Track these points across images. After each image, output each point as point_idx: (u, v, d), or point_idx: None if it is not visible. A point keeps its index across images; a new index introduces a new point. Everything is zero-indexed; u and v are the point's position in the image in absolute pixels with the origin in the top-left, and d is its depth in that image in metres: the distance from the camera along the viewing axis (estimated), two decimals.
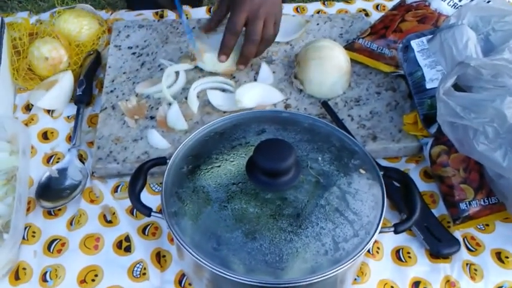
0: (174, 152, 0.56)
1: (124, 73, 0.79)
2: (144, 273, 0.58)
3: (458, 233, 0.62)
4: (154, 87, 0.75)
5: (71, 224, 0.62)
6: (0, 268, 0.56)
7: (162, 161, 0.56)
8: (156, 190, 0.66)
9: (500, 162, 0.53)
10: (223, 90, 0.76)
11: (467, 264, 0.59)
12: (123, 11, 0.93)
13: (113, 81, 0.77)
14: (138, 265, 0.58)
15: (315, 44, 0.75)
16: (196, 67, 0.78)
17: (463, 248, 0.60)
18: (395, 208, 0.64)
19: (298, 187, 0.50)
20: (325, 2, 0.96)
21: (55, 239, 0.61)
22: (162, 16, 0.92)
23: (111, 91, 0.76)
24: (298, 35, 0.84)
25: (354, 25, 0.88)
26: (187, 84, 0.76)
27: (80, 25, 0.83)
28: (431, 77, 0.68)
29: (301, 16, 0.91)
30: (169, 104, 0.73)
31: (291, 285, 0.46)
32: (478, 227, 0.63)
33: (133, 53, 0.82)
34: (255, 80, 0.78)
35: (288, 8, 0.94)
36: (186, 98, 0.74)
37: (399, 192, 0.56)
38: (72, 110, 0.75)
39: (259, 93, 0.74)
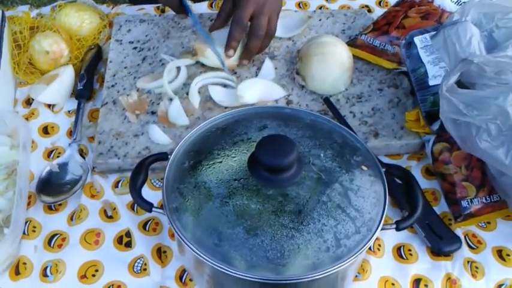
0: (175, 148, 0.55)
1: (125, 68, 0.78)
2: (145, 269, 0.58)
3: (459, 231, 0.62)
4: (156, 82, 0.75)
5: (71, 219, 0.62)
6: (0, 263, 0.56)
7: (163, 156, 0.56)
8: (157, 186, 0.66)
9: (502, 159, 0.53)
10: (225, 85, 0.76)
11: (468, 261, 0.59)
12: (124, 5, 0.93)
13: (114, 75, 0.77)
14: (138, 260, 0.58)
15: (318, 39, 0.75)
16: (197, 62, 0.78)
17: (464, 246, 0.60)
18: (397, 205, 0.64)
19: (300, 183, 0.50)
20: None
21: (55, 234, 0.61)
22: (163, 11, 0.92)
23: (112, 86, 0.76)
24: (300, 30, 0.84)
25: (357, 21, 0.87)
26: (189, 79, 0.76)
27: (81, 19, 0.83)
28: (434, 74, 0.67)
29: (304, 12, 0.90)
30: (171, 100, 0.72)
31: (292, 281, 0.46)
32: (480, 224, 0.63)
33: (135, 48, 0.81)
34: (257, 75, 0.77)
35: (290, 4, 0.93)
36: (187, 94, 0.74)
37: (401, 190, 0.56)
38: (73, 104, 0.75)
39: (261, 89, 0.74)
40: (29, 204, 0.63)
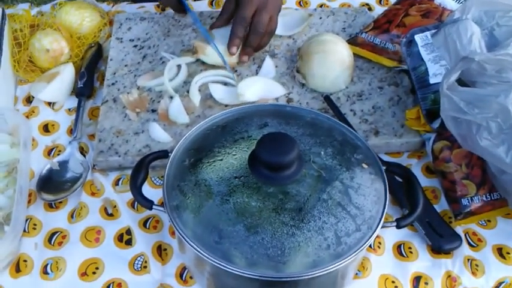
0: (175, 146, 0.55)
1: (125, 66, 0.78)
2: (145, 267, 0.58)
3: (459, 229, 0.62)
4: (156, 80, 0.75)
5: (71, 216, 0.62)
6: (0, 260, 0.56)
7: (163, 154, 0.56)
8: (158, 183, 0.66)
9: (503, 157, 0.53)
10: (225, 83, 0.75)
11: (468, 259, 0.59)
12: (124, 4, 0.93)
13: (114, 73, 0.77)
14: (139, 258, 0.58)
15: (318, 37, 0.75)
16: (198, 60, 0.78)
17: (464, 244, 0.60)
18: (397, 203, 0.64)
19: (301, 181, 0.50)
20: None
21: (56, 232, 0.61)
22: (163, 9, 0.91)
23: (113, 84, 0.75)
24: (300, 28, 0.84)
25: (357, 19, 0.87)
26: (189, 77, 0.76)
27: (81, 17, 0.83)
28: (435, 72, 0.67)
29: (304, 10, 0.90)
30: (171, 98, 0.72)
31: (292, 279, 0.46)
32: (480, 222, 0.63)
33: (135, 46, 0.81)
34: (257, 73, 0.77)
35: (290, 2, 0.93)
36: (187, 92, 0.73)
37: (401, 188, 0.56)
38: (73, 102, 0.75)
39: (261, 87, 0.74)
40: (29, 202, 0.63)
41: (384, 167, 0.54)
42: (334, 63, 0.73)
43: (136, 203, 0.64)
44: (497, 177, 0.59)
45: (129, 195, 0.63)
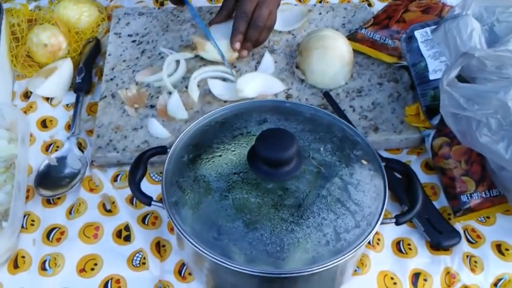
0: (174, 141, 0.55)
1: (124, 61, 0.78)
2: (144, 263, 0.58)
3: (459, 225, 0.62)
4: (155, 75, 0.74)
5: (70, 212, 0.62)
6: None
7: (162, 150, 0.56)
8: (156, 179, 0.66)
9: (502, 154, 0.53)
10: (224, 79, 0.75)
11: (467, 256, 0.59)
12: None
13: (112, 69, 0.77)
14: (137, 254, 0.58)
15: (318, 33, 0.74)
16: (196, 56, 0.78)
17: (463, 240, 0.60)
18: (396, 200, 0.64)
19: (300, 177, 0.50)
20: None
21: (54, 228, 0.61)
22: (162, 4, 0.91)
23: (111, 79, 0.75)
24: (300, 24, 0.84)
25: (357, 15, 0.87)
26: (188, 73, 0.75)
27: (79, 12, 0.82)
28: (435, 68, 0.67)
29: (304, 5, 0.90)
30: (170, 93, 0.72)
31: (291, 275, 0.46)
32: (479, 219, 0.63)
33: (134, 41, 0.81)
34: (256, 69, 0.77)
35: None
36: (186, 87, 0.73)
37: (400, 184, 0.56)
38: (71, 98, 0.75)
39: (260, 83, 0.73)
40: (27, 197, 0.63)
41: (383, 164, 0.54)
42: (333, 59, 0.73)
43: (134, 199, 0.63)
44: (497, 174, 0.59)
45: (127, 191, 0.63)
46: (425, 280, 0.57)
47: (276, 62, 0.78)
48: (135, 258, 0.58)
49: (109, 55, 0.78)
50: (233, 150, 0.53)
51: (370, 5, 0.92)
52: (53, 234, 0.60)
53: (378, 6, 0.91)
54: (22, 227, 0.60)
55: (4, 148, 0.65)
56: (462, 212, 0.61)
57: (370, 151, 0.55)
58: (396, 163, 0.56)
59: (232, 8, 0.77)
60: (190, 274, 0.57)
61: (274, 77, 0.75)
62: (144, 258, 0.58)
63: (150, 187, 0.65)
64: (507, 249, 0.60)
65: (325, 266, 0.46)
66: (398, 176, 0.57)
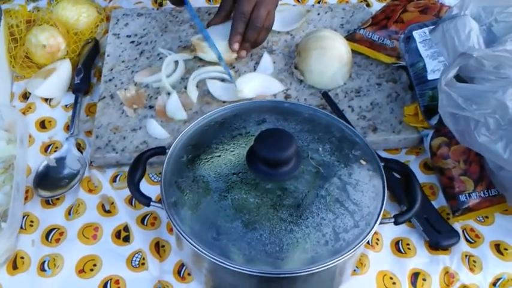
0: (173, 142, 0.55)
1: (123, 62, 0.78)
2: (143, 263, 0.58)
3: (457, 225, 0.62)
4: (154, 76, 0.74)
5: (69, 213, 0.62)
6: None
7: (161, 150, 0.56)
8: (155, 180, 0.66)
9: (501, 154, 0.53)
10: (223, 80, 0.75)
11: (466, 256, 0.59)
12: None
13: (111, 70, 0.77)
14: (137, 255, 0.58)
15: (316, 33, 0.75)
16: (195, 56, 0.78)
17: (462, 240, 0.60)
18: (395, 199, 0.64)
19: (299, 177, 0.50)
20: None
21: (53, 228, 0.61)
22: (161, 4, 0.91)
23: (110, 80, 0.75)
24: (298, 24, 0.84)
25: (355, 15, 0.87)
26: (187, 73, 0.75)
27: (78, 13, 0.82)
28: (433, 68, 0.67)
29: (302, 6, 0.90)
30: (169, 94, 0.72)
31: (290, 275, 0.46)
32: (478, 219, 0.63)
33: (132, 42, 0.81)
34: (255, 70, 0.77)
35: None
36: (185, 88, 0.73)
37: (399, 184, 0.56)
38: (70, 98, 0.75)
39: (259, 83, 0.73)
40: (26, 198, 0.63)
41: (382, 164, 0.54)
42: (332, 59, 0.73)
43: (134, 199, 0.63)
44: (495, 174, 0.59)
45: (126, 192, 0.63)
46: (424, 280, 0.57)
47: (274, 62, 0.78)
48: (134, 258, 0.58)
49: (108, 56, 0.78)
50: (232, 151, 0.53)
51: (368, 5, 0.92)
52: (52, 235, 0.60)
53: (376, 6, 0.91)
54: (21, 227, 0.60)
55: (3, 149, 0.65)
56: (461, 212, 0.61)
57: (369, 151, 0.55)
58: (395, 163, 0.56)
59: (230, 8, 0.77)
60: (189, 274, 0.57)
61: (273, 78, 0.75)
62: (144, 258, 0.58)
63: (149, 188, 0.65)
64: (506, 249, 0.60)
65: (324, 266, 0.46)
66: (397, 176, 0.57)
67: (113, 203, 0.63)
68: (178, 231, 0.48)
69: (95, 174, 0.66)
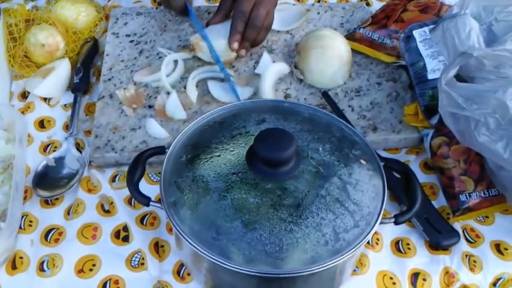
0: (172, 142, 0.55)
1: (122, 61, 0.78)
2: (143, 263, 0.57)
3: (457, 225, 0.62)
4: (153, 75, 0.74)
5: (68, 213, 0.62)
6: None
7: (160, 150, 0.56)
8: (155, 180, 0.66)
9: (501, 153, 0.53)
10: (223, 80, 0.75)
11: (466, 255, 0.59)
12: None
13: (110, 69, 0.76)
14: (136, 255, 0.58)
15: (316, 33, 0.74)
16: (195, 56, 0.78)
17: (462, 240, 0.60)
18: (395, 199, 0.64)
19: (299, 177, 0.50)
20: None
21: (52, 228, 0.60)
22: (160, 4, 0.91)
23: (109, 79, 0.75)
24: (298, 24, 0.83)
25: (355, 14, 0.87)
26: (186, 73, 0.75)
27: (77, 12, 0.82)
28: (433, 68, 0.67)
29: (302, 5, 0.90)
30: (168, 93, 0.72)
31: (290, 275, 0.46)
32: (478, 218, 0.63)
33: (131, 41, 0.81)
34: (255, 69, 0.77)
35: None
36: (184, 87, 0.73)
37: (399, 184, 0.56)
38: (69, 98, 0.75)
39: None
40: (25, 198, 0.63)
41: (382, 163, 0.54)
42: (332, 58, 0.72)
43: (133, 199, 0.63)
44: (496, 174, 0.59)
45: (126, 192, 0.63)
46: (424, 280, 0.57)
47: (274, 61, 0.78)
48: (133, 258, 0.58)
49: (107, 55, 0.78)
50: (232, 150, 0.52)
51: (368, 4, 0.92)
52: (51, 235, 0.60)
53: (376, 5, 0.91)
54: (20, 227, 0.60)
55: (2, 149, 0.65)
56: (461, 212, 0.61)
57: (369, 151, 0.55)
58: (395, 163, 0.56)
59: (229, 8, 0.77)
60: (189, 274, 0.57)
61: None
62: (143, 258, 0.58)
63: (149, 187, 0.64)
64: (506, 249, 0.60)
65: (324, 266, 0.46)
66: (397, 175, 0.57)
67: (112, 202, 0.63)
68: (178, 231, 0.48)
69: (94, 174, 0.66)
